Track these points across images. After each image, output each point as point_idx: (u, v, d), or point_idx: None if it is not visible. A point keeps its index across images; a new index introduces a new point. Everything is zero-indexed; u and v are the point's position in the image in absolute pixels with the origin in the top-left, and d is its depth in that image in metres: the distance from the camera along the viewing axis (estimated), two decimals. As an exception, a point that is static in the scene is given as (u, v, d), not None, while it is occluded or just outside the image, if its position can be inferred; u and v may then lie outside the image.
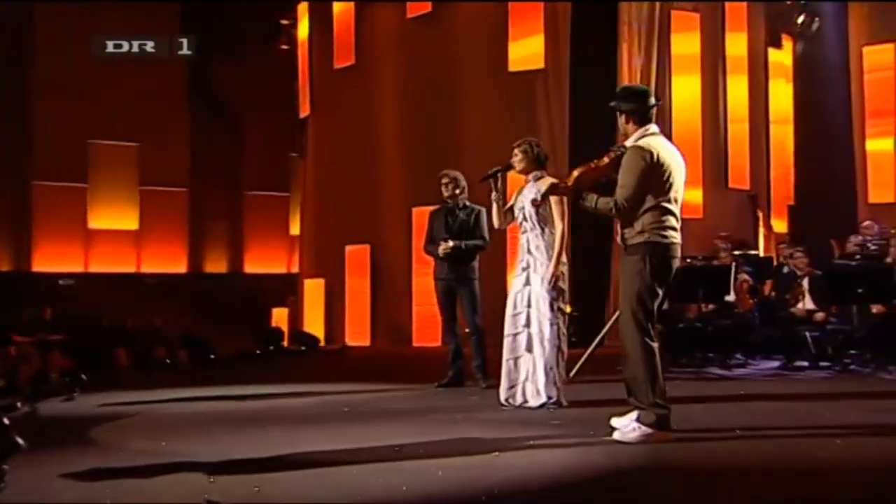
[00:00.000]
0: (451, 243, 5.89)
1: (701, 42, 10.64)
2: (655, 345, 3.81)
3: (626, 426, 3.77)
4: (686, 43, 10.61)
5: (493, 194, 5.08)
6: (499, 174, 5.06)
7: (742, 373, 7.07)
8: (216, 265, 14.94)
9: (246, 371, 8.27)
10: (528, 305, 4.92)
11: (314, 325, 12.09)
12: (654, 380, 3.76)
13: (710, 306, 7.68)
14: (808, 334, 7.50)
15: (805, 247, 9.13)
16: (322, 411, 5.04)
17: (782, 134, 11.87)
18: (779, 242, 9.52)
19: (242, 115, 14.81)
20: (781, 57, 12.02)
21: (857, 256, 7.68)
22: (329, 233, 12.20)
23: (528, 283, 4.94)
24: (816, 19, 12.01)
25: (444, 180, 6.10)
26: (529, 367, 4.91)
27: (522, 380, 4.94)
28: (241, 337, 10.69)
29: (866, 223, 9.92)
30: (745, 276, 7.92)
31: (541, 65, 10.41)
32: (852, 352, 7.31)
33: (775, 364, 7.42)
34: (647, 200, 3.81)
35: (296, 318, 12.94)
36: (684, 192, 4.02)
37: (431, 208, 10.79)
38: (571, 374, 4.87)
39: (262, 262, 14.98)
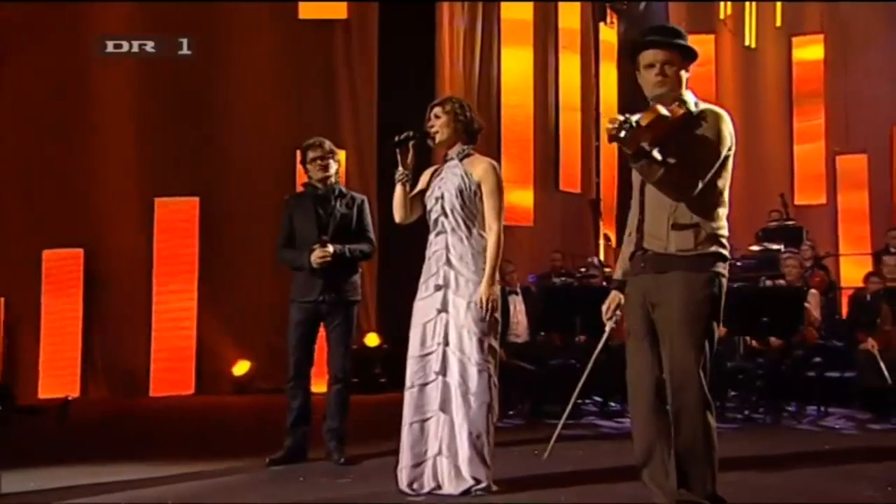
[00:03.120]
0: (330, 248, 4.87)
1: (535, 8, 10.48)
2: None
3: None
4: (518, 7, 10.38)
5: (399, 171, 4.16)
6: (409, 143, 4.15)
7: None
8: None
9: None
10: (445, 342, 4.06)
11: (-16, 366, 9.89)
12: (715, 457, 3.12)
13: (582, 337, 7.36)
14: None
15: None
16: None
17: (611, 128, 12.14)
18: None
19: None
20: (611, 35, 12.35)
21: (764, 279, 7.84)
22: (12, 230, 10.05)
23: (444, 308, 4.08)
24: (645, -4, 12.54)
25: (314, 154, 5.05)
26: (445, 435, 4.04)
27: (434, 454, 4.05)
28: None
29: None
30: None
31: (342, 14, 9.55)
32: (733, 393, 7.44)
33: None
34: (716, 191, 3.23)
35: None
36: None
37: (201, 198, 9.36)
38: (546, 454, 4.08)
39: None
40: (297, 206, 5.09)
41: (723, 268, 3.24)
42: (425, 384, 4.08)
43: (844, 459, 5.04)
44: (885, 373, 6.79)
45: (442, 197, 4.12)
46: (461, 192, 4.09)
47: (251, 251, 9.44)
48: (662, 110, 3.16)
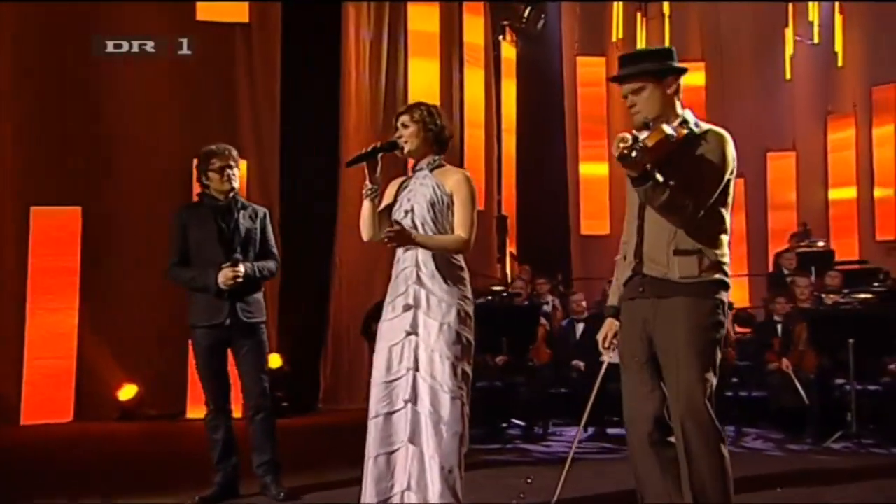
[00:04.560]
0: (241, 267, 4.47)
1: (440, 21, 10.32)
2: None
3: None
4: (424, 18, 10.20)
5: (367, 186, 3.85)
6: (378, 155, 3.85)
7: (563, 449, 6.66)
8: None
9: None
10: (415, 367, 3.76)
11: None
12: (730, 489, 3.03)
13: (503, 358, 7.20)
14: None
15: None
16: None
17: (511, 146, 12.11)
18: (535, 278, 9.51)
19: None
20: (512, 52, 12.32)
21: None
22: None
23: (414, 330, 3.78)
24: (543, 16, 12.59)
25: (220, 162, 4.62)
26: (413, 468, 3.73)
27: (401, 489, 3.74)
28: None
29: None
30: (542, 320, 7.61)
31: (244, 18, 9.06)
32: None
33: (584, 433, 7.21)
34: (719, 216, 3.14)
35: None
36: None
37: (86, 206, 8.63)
38: (554, 500, 3.85)
39: None
40: (193, 219, 4.63)
41: (726, 296, 3.14)
42: (391, 413, 3.77)
43: (798, 482, 5.05)
44: (802, 392, 6.93)
45: (412, 210, 3.84)
46: (433, 204, 3.82)
47: (139, 266, 8.79)
48: (668, 129, 3.03)
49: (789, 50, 14.85)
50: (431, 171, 3.89)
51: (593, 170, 13.71)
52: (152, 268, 8.81)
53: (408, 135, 3.87)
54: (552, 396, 7.66)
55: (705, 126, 3.17)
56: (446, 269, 3.80)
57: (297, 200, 9.15)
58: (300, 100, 9.22)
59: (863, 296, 6.86)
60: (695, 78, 14.75)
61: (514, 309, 7.26)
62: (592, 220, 13.65)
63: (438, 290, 3.77)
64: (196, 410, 8.61)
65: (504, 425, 7.04)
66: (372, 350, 8.39)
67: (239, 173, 4.70)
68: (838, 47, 14.91)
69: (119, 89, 8.92)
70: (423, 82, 10.09)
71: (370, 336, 8.17)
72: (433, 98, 10.08)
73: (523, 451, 6.49)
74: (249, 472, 4.65)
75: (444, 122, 3.92)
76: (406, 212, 3.84)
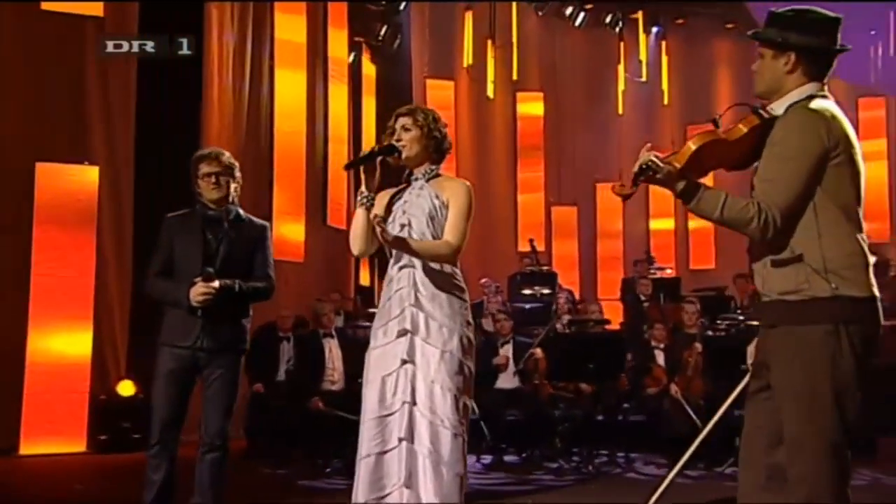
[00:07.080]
0: (216, 282, 3.88)
1: (307, 32, 9.82)
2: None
3: None
4: (291, 28, 9.67)
5: (361, 194, 3.38)
6: (377, 159, 3.40)
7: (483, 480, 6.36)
8: None
9: None
10: (412, 400, 3.32)
11: None
12: None
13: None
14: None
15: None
16: None
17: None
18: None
19: None
20: (372, 69, 11.96)
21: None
22: None
23: (410, 358, 3.34)
24: (399, 35, 12.32)
25: (208, 168, 4.03)
26: (409, 516, 3.28)
27: (392, 540, 3.28)
28: None
29: (484, 280, 10.38)
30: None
31: (98, 11, 8.14)
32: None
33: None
34: (816, 210, 2.53)
35: None
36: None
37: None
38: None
39: None
40: (181, 229, 4.08)
41: (848, 314, 2.47)
42: (384, 452, 3.31)
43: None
44: (695, 418, 6.96)
45: (409, 224, 3.41)
46: (432, 217, 3.41)
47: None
48: (715, 133, 2.66)
49: (622, 86, 15.47)
50: (428, 180, 3.48)
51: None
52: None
53: (408, 139, 3.45)
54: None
55: (793, 109, 2.59)
56: (447, 290, 3.38)
57: (154, 210, 8.28)
58: (158, 103, 8.40)
59: (754, 322, 7.02)
60: (533, 108, 15.05)
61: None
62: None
63: (439, 314, 3.35)
64: (31, 445, 7.56)
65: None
66: (249, 376, 7.72)
67: (235, 181, 4.09)
68: (665, 86, 15.71)
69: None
70: (289, 93, 9.55)
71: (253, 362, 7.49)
72: (300, 110, 9.57)
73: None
74: None
75: (445, 130, 3.53)
76: (402, 225, 3.41)
